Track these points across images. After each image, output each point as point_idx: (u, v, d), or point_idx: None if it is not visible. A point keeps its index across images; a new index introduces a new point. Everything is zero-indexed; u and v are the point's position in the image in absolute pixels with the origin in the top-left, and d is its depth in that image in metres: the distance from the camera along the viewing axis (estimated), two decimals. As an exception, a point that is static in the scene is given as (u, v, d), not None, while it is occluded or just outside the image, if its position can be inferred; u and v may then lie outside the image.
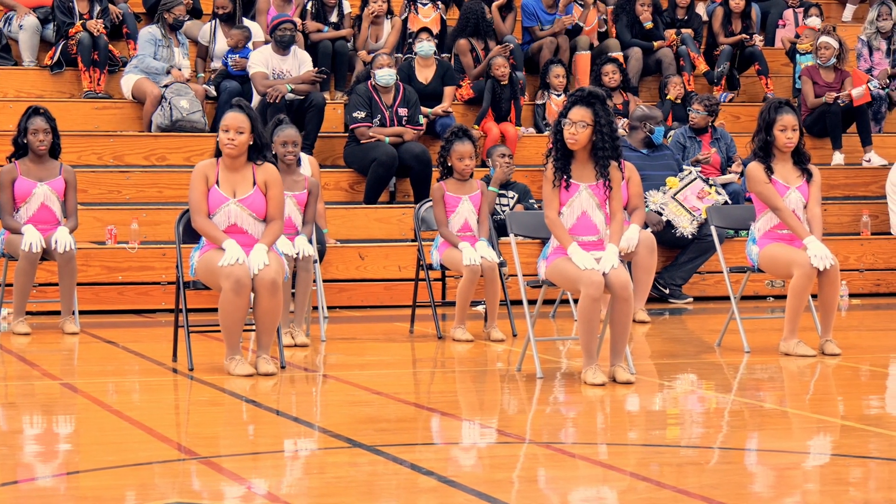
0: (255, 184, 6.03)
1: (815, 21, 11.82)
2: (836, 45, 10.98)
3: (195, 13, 10.96)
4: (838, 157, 10.87)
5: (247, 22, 10.54)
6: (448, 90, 10.30)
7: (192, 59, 10.50)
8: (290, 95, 9.79)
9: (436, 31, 10.66)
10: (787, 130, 6.57)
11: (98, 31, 10.09)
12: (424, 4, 11.00)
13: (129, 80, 10.10)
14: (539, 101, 10.76)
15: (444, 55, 10.81)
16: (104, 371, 6.55)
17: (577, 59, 11.09)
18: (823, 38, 11.01)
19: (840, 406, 5.56)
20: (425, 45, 10.15)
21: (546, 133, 10.12)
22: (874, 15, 11.71)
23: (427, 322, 7.81)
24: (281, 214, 6.08)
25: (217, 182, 5.99)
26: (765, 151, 6.63)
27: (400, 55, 10.72)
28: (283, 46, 9.86)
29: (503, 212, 9.12)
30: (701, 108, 9.83)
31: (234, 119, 5.96)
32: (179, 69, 10.08)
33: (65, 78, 10.41)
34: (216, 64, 10.44)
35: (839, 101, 10.84)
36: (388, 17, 10.78)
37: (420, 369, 6.85)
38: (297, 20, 10.42)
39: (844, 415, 5.28)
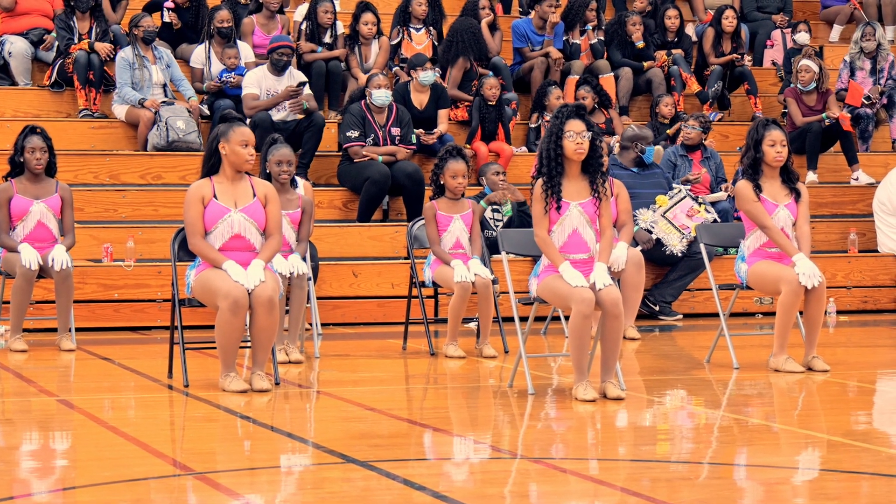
0: (254, 195, 6.10)
1: (803, 37, 11.94)
2: (817, 69, 11.10)
3: (186, 37, 10.98)
4: (811, 177, 10.97)
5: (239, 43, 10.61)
6: (442, 113, 10.37)
7: (188, 78, 10.55)
8: (278, 116, 9.84)
9: (428, 55, 10.73)
10: (776, 145, 6.65)
11: (106, 53, 10.14)
12: (417, 30, 11.08)
13: (119, 110, 10.15)
14: (533, 125, 10.83)
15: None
16: (100, 387, 6.59)
17: (569, 83, 11.17)
18: (804, 62, 11.12)
19: (827, 422, 5.63)
20: (429, 74, 10.19)
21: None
22: (858, 35, 11.84)
23: (420, 339, 7.86)
24: (279, 230, 6.13)
25: (215, 196, 6.05)
26: (754, 169, 6.70)
27: (397, 68, 10.81)
28: (278, 69, 9.93)
29: (496, 227, 9.19)
30: (696, 125, 9.90)
31: (250, 135, 6.05)
32: (164, 88, 10.08)
33: (61, 97, 10.48)
34: (209, 83, 10.46)
35: (826, 121, 10.96)
36: (376, 38, 10.85)
37: (413, 385, 6.90)
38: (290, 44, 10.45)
39: (832, 430, 5.34)
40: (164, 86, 10.16)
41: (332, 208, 9.96)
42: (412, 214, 9.62)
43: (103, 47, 10.15)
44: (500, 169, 9.43)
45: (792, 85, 11.28)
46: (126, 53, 10.03)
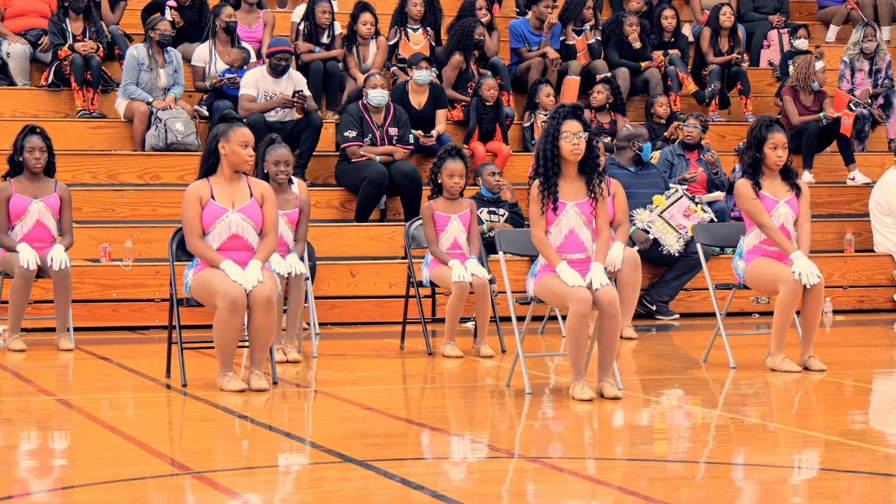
0: (251, 195, 6.12)
1: (802, 43, 11.97)
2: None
3: (188, 36, 10.99)
4: (807, 177, 11.00)
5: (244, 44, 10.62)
6: (440, 113, 10.39)
7: (186, 79, 10.56)
8: (275, 116, 9.86)
9: (426, 55, 10.75)
10: (777, 149, 6.67)
11: (86, 51, 10.14)
12: (415, 30, 11.10)
13: (120, 105, 10.19)
14: (526, 123, 10.87)
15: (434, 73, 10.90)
16: (98, 387, 6.60)
17: (566, 83, 11.20)
18: (821, 63, 11.17)
19: (824, 421, 5.65)
20: (424, 74, 10.22)
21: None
22: (859, 36, 11.85)
23: (417, 338, 7.88)
24: (275, 229, 6.15)
25: (213, 197, 6.07)
26: (754, 168, 6.73)
27: (395, 67, 10.83)
28: (277, 73, 9.94)
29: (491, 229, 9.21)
30: (697, 123, 9.92)
31: (250, 136, 6.07)
32: (165, 92, 10.10)
33: (60, 98, 10.49)
34: (212, 80, 10.46)
35: (824, 122, 11.00)
36: (374, 37, 10.86)
37: (410, 385, 6.91)
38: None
39: (829, 430, 5.36)
40: (166, 90, 10.19)
41: (330, 208, 9.98)
42: (410, 214, 9.64)
43: (83, 47, 10.14)
44: (497, 169, 9.45)
45: (785, 85, 11.32)
46: (139, 52, 10.03)
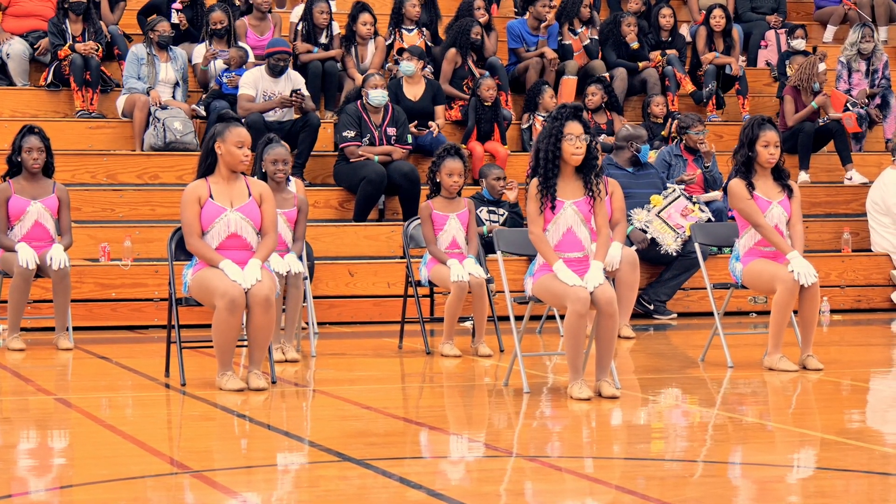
0: (250, 195, 6.14)
1: (800, 43, 11.98)
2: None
3: (190, 35, 11.01)
4: (804, 176, 11.02)
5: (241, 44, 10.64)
6: (439, 109, 10.41)
7: (191, 79, 10.59)
8: (273, 116, 9.88)
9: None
10: (769, 146, 6.69)
11: (87, 52, 10.17)
12: (410, 30, 11.12)
13: (119, 102, 10.22)
14: (525, 124, 10.88)
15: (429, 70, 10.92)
16: (97, 386, 6.62)
17: (563, 83, 11.22)
18: (822, 66, 11.20)
19: (821, 420, 5.67)
20: (405, 65, 10.27)
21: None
22: (857, 37, 11.87)
23: (415, 338, 7.90)
24: (274, 228, 6.17)
25: (211, 196, 6.09)
26: (746, 167, 6.75)
27: (391, 64, 10.86)
28: (276, 73, 9.96)
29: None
30: (703, 128, 9.88)
31: (246, 135, 6.08)
32: (173, 87, 10.15)
33: (59, 98, 10.50)
34: (210, 84, 10.49)
35: (825, 121, 11.01)
36: (373, 38, 10.88)
37: (409, 384, 6.93)
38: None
39: (826, 429, 5.38)
40: (175, 86, 10.22)
41: (329, 208, 9.99)
42: (408, 214, 9.65)
43: (84, 47, 10.17)
44: (502, 174, 9.43)
45: (787, 85, 11.33)
46: (139, 50, 10.11)
